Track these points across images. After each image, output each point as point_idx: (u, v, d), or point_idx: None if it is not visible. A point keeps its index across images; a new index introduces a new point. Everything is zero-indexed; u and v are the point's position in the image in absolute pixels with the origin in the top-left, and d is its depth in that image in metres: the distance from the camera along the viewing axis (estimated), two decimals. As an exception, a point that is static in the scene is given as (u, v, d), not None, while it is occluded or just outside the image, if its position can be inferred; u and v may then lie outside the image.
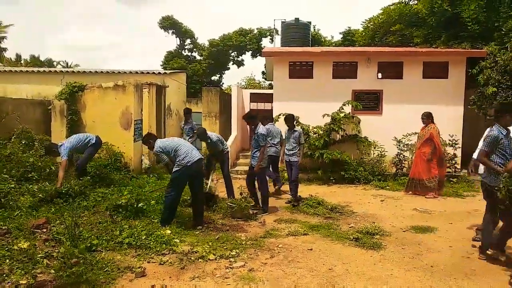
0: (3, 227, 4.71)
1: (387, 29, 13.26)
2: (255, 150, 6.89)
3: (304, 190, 8.83)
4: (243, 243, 5.13)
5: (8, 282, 3.41)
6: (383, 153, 10.42)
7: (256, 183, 7.05)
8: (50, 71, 13.85)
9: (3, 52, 28.63)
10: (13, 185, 6.22)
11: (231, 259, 4.52)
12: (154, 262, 4.35)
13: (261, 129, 6.86)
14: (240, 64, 25.77)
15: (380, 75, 10.71)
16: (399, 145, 10.43)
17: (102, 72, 13.06)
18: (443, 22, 11.30)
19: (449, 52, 10.66)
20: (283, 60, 10.95)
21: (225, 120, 14.28)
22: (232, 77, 56.95)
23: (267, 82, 26.00)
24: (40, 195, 6.01)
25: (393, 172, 10.38)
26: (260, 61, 36.81)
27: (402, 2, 12.48)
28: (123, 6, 79.46)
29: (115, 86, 8.32)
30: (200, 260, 4.44)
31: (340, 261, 4.55)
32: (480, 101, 10.06)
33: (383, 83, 10.75)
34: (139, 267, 4.14)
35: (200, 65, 23.82)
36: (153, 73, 13.01)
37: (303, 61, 10.97)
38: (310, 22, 15.92)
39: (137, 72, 12.86)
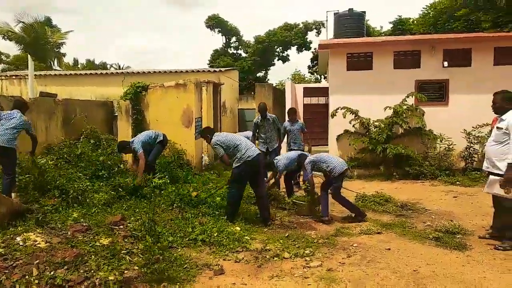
0: (84, 224, 4.90)
1: (450, 15, 12.44)
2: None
3: (367, 187, 8.54)
4: (315, 241, 4.99)
5: (97, 278, 3.50)
6: (450, 146, 9.78)
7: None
8: (112, 73, 14.49)
9: (63, 57, 30.37)
10: (87, 183, 6.49)
11: (306, 258, 4.38)
12: (230, 260, 4.32)
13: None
14: (285, 59, 25.52)
15: (446, 64, 10.07)
16: (469, 138, 9.75)
17: (160, 72, 13.43)
18: (515, 5, 10.45)
19: (525, 36, 9.80)
20: (340, 52, 10.61)
21: (278, 115, 14.13)
22: (277, 73, 56.71)
23: (313, 77, 25.58)
24: (120, 190, 6.26)
25: (462, 167, 9.75)
26: (306, 55, 36.24)
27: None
28: (168, 9, 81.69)
29: (176, 85, 8.47)
30: (275, 258, 4.36)
31: (424, 262, 4.26)
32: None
33: (450, 71, 10.09)
34: (216, 265, 4.12)
35: (246, 62, 23.85)
36: (209, 71, 13.18)
37: (361, 52, 10.56)
38: (364, 12, 15.32)
39: (193, 71, 13.05)
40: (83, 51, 65.15)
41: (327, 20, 19.26)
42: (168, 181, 6.73)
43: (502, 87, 9.21)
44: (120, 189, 6.30)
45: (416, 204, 7.01)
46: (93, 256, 3.95)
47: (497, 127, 4.59)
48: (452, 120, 9.89)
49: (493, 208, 4.93)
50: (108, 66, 33.30)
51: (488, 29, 10.78)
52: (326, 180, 6.28)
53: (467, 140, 9.74)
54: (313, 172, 6.23)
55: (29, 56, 11.54)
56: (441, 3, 12.98)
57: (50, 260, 3.78)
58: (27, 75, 12.16)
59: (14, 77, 14.93)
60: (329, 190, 6.15)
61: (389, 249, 4.69)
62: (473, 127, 9.71)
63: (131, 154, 7.46)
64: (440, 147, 9.91)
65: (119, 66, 34.35)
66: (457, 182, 8.86)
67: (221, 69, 14.24)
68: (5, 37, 26.08)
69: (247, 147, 5.64)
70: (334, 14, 15.54)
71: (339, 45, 10.93)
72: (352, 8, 14.70)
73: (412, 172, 9.48)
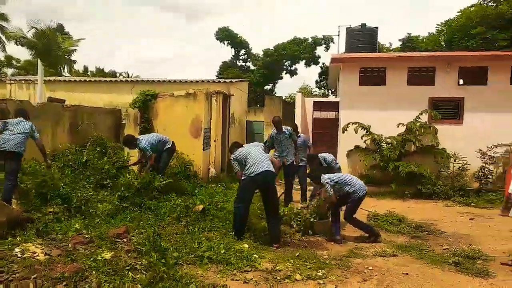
0: (86, 236, 4.68)
1: (466, 33, 12.26)
2: None
3: (379, 205, 8.26)
4: (327, 262, 4.73)
5: (98, 296, 3.27)
6: (464, 166, 9.50)
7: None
8: (121, 80, 14.39)
9: (73, 64, 30.47)
10: (91, 192, 6.29)
11: (319, 280, 4.13)
12: (238, 280, 4.07)
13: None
14: (293, 73, 25.47)
15: (461, 81, 9.86)
16: (484, 158, 9.48)
17: (170, 81, 13.31)
18: (534, 23, 10.28)
19: (544, 55, 9.60)
20: (353, 66, 10.46)
21: (287, 129, 13.94)
22: (284, 87, 56.68)
23: (321, 91, 25.50)
24: (126, 192, 6.29)
25: (476, 187, 9.45)
26: (314, 70, 36.18)
27: (484, 3, 11.44)
28: (175, 18, 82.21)
29: (186, 94, 8.32)
30: (286, 280, 4.10)
31: (446, 290, 3.99)
32: None
33: (465, 90, 9.89)
34: (223, 285, 3.87)
35: (254, 74, 23.81)
36: (219, 81, 13.05)
37: (375, 67, 10.40)
38: (377, 28, 15.22)
39: (202, 81, 12.95)
40: (93, 60, 65.56)
41: (339, 35, 19.18)
42: (172, 180, 6.76)
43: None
44: (124, 190, 6.22)
45: (431, 225, 6.74)
46: (94, 272, 3.73)
47: None
48: (467, 140, 9.65)
49: None
50: (118, 75, 33.41)
51: (505, 48, 10.57)
52: (339, 198, 6.00)
53: (481, 160, 9.48)
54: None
55: (39, 61, 11.49)
56: (456, 21, 12.81)
57: (49, 274, 3.57)
58: (37, 80, 12.10)
59: (23, 81, 14.91)
60: (339, 209, 5.91)
61: (407, 274, 4.42)
62: (488, 147, 9.47)
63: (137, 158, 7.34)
64: (454, 167, 9.64)
65: (128, 75, 34.46)
66: (472, 204, 8.56)
67: (232, 80, 14.11)
68: (18, 42, 26.22)
69: (254, 161, 5.35)
70: (347, 29, 15.44)
71: (353, 59, 10.78)
72: (365, 24, 14.61)
73: (425, 191, 9.21)
